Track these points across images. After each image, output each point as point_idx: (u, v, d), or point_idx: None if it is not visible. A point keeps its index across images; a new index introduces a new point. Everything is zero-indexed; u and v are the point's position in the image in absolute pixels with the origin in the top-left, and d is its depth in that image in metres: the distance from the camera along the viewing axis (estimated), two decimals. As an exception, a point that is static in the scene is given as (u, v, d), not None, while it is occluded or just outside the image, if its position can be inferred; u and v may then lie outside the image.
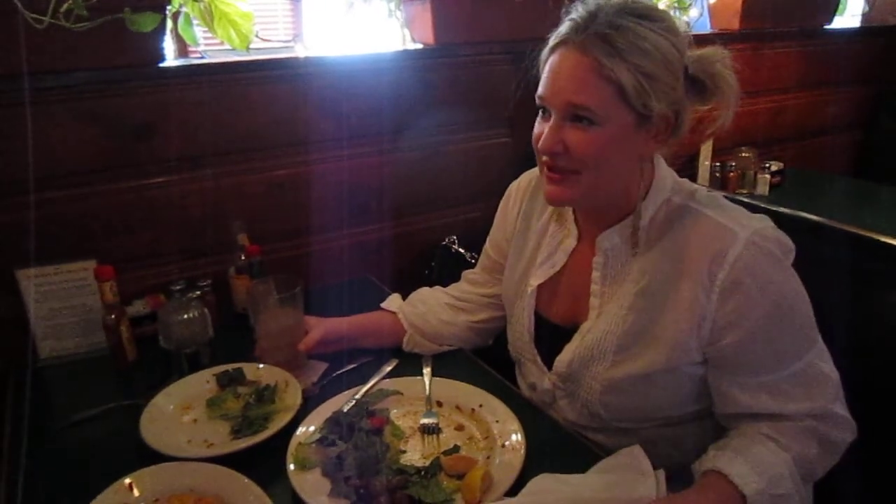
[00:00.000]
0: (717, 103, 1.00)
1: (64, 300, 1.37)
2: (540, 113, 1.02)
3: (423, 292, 1.40)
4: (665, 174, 1.07)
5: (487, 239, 1.35)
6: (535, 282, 1.17)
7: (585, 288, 1.10)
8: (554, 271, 1.15)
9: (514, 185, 1.31)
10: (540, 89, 1.01)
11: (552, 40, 1.00)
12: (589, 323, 1.09)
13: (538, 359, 1.17)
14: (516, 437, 1.04)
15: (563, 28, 0.98)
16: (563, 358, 1.10)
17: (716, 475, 0.92)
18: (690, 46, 1.00)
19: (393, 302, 1.38)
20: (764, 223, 0.99)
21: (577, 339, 1.09)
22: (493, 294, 1.33)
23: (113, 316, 1.30)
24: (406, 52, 1.82)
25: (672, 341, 1.00)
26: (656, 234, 1.04)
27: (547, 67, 1.00)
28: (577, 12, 0.97)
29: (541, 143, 1.00)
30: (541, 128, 1.01)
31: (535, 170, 1.24)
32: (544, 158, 1.01)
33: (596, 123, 0.95)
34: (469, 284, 1.38)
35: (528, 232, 1.23)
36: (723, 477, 0.91)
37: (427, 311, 1.35)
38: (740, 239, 0.95)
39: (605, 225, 1.08)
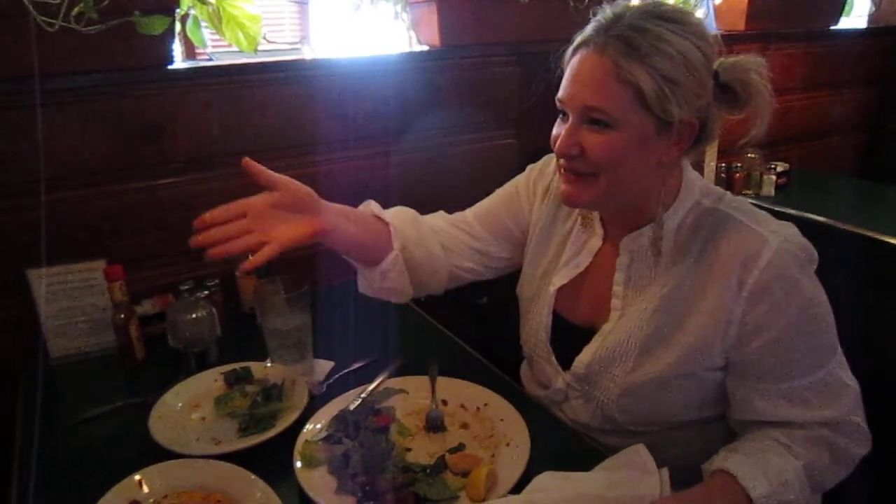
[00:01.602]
0: (750, 113, 0.98)
1: (74, 300, 1.38)
2: (560, 115, 1.01)
3: (409, 213, 1.25)
4: (693, 178, 1.06)
5: (499, 196, 1.28)
6: (558, 282, 1.16)
7: (607, 290, 1.09)
8: (578, 272, 1.14)
9: (551, 168, 1.23)
10: (560, 91, 0.99)
11: (576, 41, 0.98)
12: (610, 324, 1.08)
13: (553, 358, 1.16)
14: (520, 436, 1.05)
15: (588, 29, 0.97)
16: (583, 359, 1.09)
17: (724, 476, 0.92)
18: (721, 52, 0.98)
19: (385, 212, 1.21)
20: (792, 230, 0.98)
21: (597, 340, 1.08)
22: (483, 250, 1.25)
23: (122, 315, 1.32)
24: (412, 53, 1.83)
25: (694, 345, 0.99)
26: (685, 238, 1.03)
27: (568, 69, 0.99)
28: (603, 13, 0.96)
29: (557, 145, 0.99)
30: (559, 130, 1.00)
31: None
32: (562, 161, 1.01)
33: (612, 127, 0.93)
34: (463, 233, 1.26)
35: (554, 230, 1.21)
36: (731, 478, 0.91)
37: (419, 237, 1.20)
38: (771, 245, 0.94)
39: (631, 227, 1.07)
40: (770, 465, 0.93)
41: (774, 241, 0.95)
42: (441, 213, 1.30)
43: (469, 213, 1.29)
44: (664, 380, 1.02)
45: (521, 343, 1.25)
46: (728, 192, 1.07)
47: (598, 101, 0.93)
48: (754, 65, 0.96)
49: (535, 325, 1.19)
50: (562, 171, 1.02)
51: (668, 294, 1.02)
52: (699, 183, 1.06)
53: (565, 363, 1.13)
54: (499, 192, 1.31)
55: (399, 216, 1.21)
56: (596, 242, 1.13)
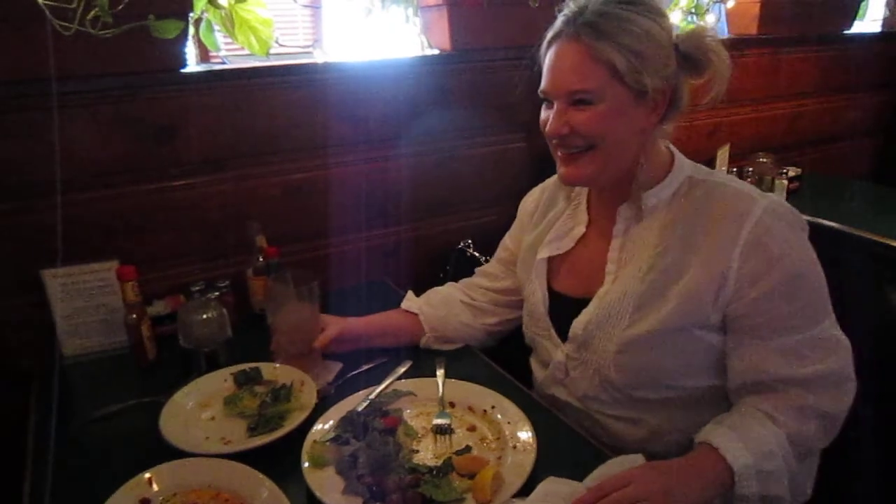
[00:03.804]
0: (711, 75, 1.06)
1: (87, 300, 1.40)
2: (544, 102, 1.10)
3: (441, 293, 1.43)
4: (683, 159, 1.14)
5: (507, 234, 1.40)
6: (541, 255, 1.23)
7: (600, 264, 1.15)
8: (559, 252, 1.21)
9: (538, 187, 1.37)
10: (542, 84, 1.09)
11: (548, 35, 1.09)
12: (605, 286, 1.13)
13: (552, 332, 1.20)
14: (527, 439, 1.05)
15: (557, 23, 1.07)
16: (581, 320, 1.14)
17: (707, 447, 0.96)
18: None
19: (413, 302, 1.41)
20: (779, 197, 1.06)
21: (594, 302, 1.13)
22: (509, 288, 1.36)
23: (134, 315, 1.33)
24: (423, 57, 1.84)
25: (687, 297, 1.04)
26: (678, 205, 1.10)
27: (546, 61, 1.08)
28: (568, 8, 1.07)
29: (548, 127, 1.08)
30: (546, 114, 1.09)
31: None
32: (555, 142, 1.09)
33: (594, 102, 1.03)
34: (485, 279, 1.41)
35: (544, 220, 1.29)
36: (714, 450, 0.95)
37: (447, 314, 1.38)
38: (760, 204, 1.02)
39: (625, 198, 1.13)
40: (753, 435, 0.97)
41: (763, 202, 1.03)
42: (478, 270, 1.44)
43: (494, 258, 1.44)
44: (657, 334, 1.06)
45: (524, 330, 1.29)
46: (717, 170, 1.15)
47: (579, 84, 1.03)
48: (706, 31, 1.09)
49: (534, 300, 1.23)
50: (558, 154, 1.11)
51: (662, 253, 1.08)
52: (689, 162, 1.15)
53: (565, 337, 1.17)
54: None
55: (428, 300, 1.41)
56: (579, 230, 1.21)
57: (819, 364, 1.01)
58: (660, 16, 1.04)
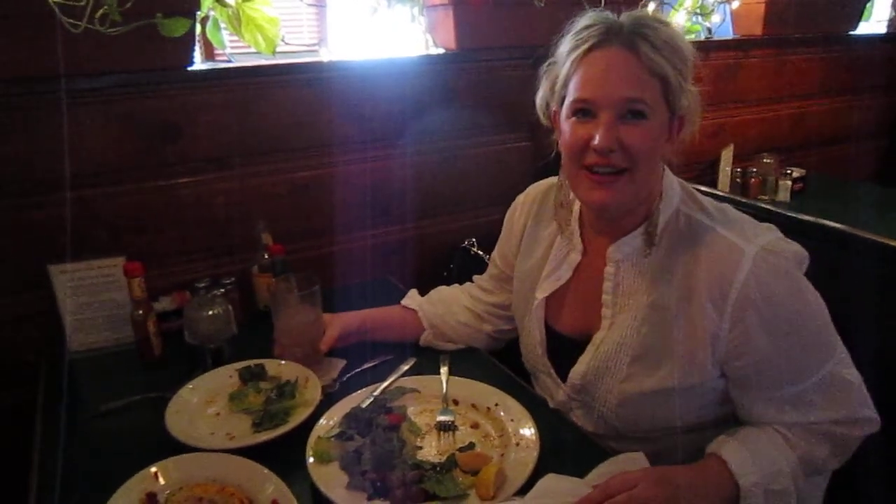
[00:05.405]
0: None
1: (94, 295, 1.41)
2: (575, 116, 1.00)
3: (443, 292, 1.42)
4: (673, 180, 1.08)
5: (495, 248, 1.36)
6: (540, 294, 1.17)
7: (596, 298, 1.10)
8: (560, 284, 1.16)
9: (520, 198, 1.31)
10: (582, 92, 0.98)
11: (582, 44, 0.98)
12: (602, 333, 1.09)
13: (552, 371, 1.17)
14: (530, 436, 1.06)
15: (591, 33, 0.98)
16: (578, 370, 1.11)
17: (717, 460, 0.95)
18: None
19: (413, 299, 1.40)
20: (771, 236, 0.99)
21: (590, 350, 1.09)
22: (502, 303, 1.34)
23: (140, 311, 1.34)
24: (428, 56, 1.85)
25: (687, 360, 1.00)
26: (668, 245, 1.04)
27: (584, 70, 0.98)
28: (598, 19, 0.99)
29: (597, 142, 0.96)
30: (584, 130, 0.98)
31: (542, 182, 1.26)
32: (592, 159, 0.98)
33: (647, 117, 0.96)
34: (480, 290, 1.38)
35: (536, 244, 1.23)
36: (723, 464, 0.93)
37: (446, 312, 1.37)
38: (747, 256, 0.95)
39: (616, 236, 1.07)
40: (763, 454, 0.95)
41: (751, 252, 0.95)
42: (476, 279, 1.42)
43: (486, 272, 1.40)
44: (659, 393, 1.02)
45: (523, 360, 1.26)
46: (705, 199, 1.07)
47: (638, 92, 0.96)
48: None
49: (531, 340, 1.20)
50: (587, 174, 1.00)
51: (655, 304, 1.03)
52: (678, 186, 1.08)
53: (564, 375, 1.14)
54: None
55: (430, 298, 1.40)
56: (575, 257, 1.15)
57: (829, 411, 0.98)
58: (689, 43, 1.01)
